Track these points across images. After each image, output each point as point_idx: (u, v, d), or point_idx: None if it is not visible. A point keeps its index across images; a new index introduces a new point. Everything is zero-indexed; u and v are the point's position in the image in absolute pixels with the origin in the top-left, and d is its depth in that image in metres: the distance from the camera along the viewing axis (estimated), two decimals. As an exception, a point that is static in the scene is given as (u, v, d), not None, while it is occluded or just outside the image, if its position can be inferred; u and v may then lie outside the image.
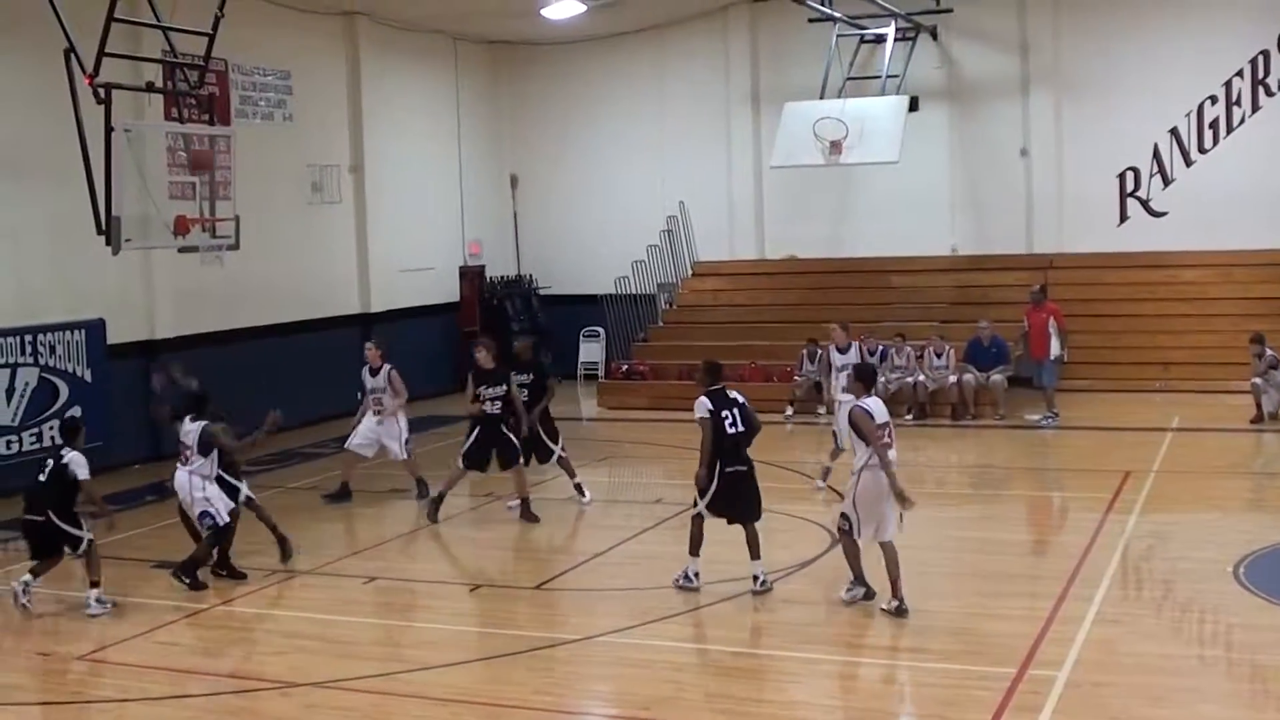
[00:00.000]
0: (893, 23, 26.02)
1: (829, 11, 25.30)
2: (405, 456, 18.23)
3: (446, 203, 30.19)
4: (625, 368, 27.65)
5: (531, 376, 17.49)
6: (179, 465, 14.38)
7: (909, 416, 23.04)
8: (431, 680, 11.21)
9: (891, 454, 12.48)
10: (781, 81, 28.35)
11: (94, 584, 13.42)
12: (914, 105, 25.91)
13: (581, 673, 11.54)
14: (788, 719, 10.13)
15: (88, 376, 20.68)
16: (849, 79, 26.63)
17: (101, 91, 15.46)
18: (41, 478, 13.35)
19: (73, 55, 15.24)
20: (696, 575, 13.21)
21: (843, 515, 12.59)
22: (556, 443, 17.60)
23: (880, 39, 26.70)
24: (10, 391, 19.58)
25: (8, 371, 19.61)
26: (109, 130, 15.53)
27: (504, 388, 16.81)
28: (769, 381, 25.31)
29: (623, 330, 29.70)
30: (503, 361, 17.41)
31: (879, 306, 26.44)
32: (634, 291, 29.89)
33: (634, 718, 10.21)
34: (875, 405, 12.68)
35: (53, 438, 19.80)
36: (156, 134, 19.31)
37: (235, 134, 19.15)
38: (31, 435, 19.66)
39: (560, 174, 31.43)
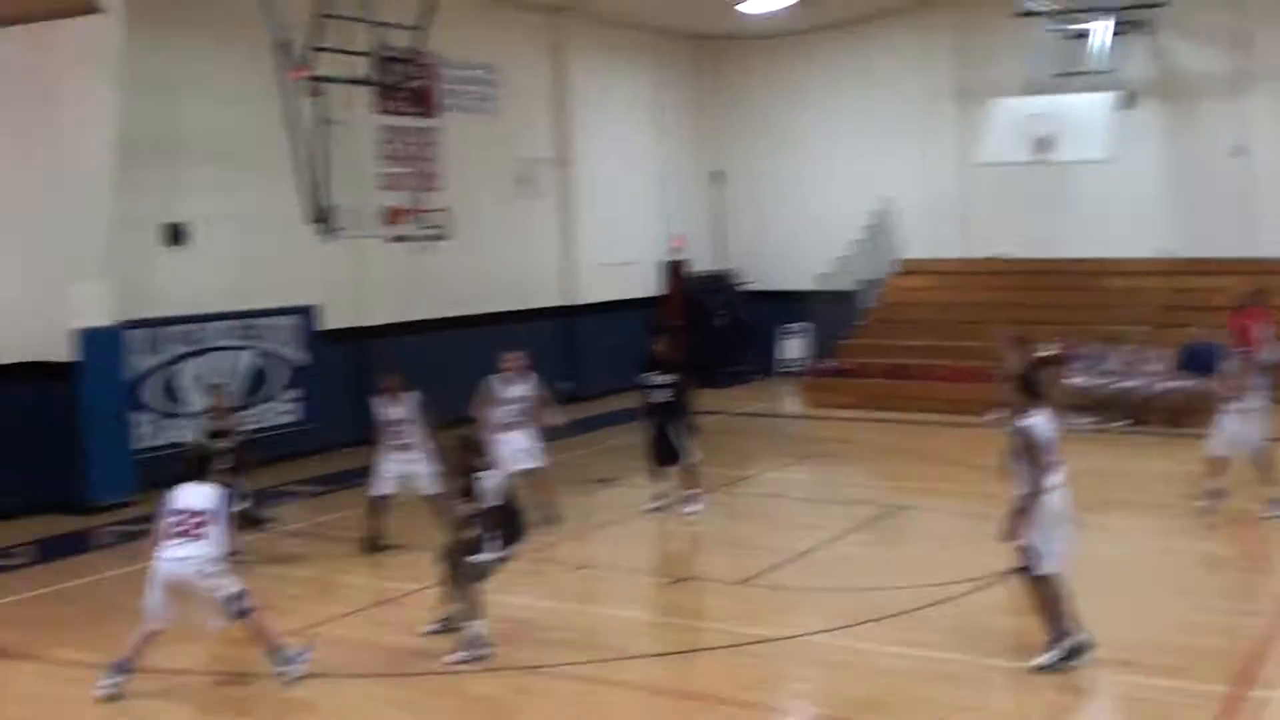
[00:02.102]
0: (1103, 16, 25.41)
1: (1036, 6, 24.82)
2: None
3: (650, 197, 30.28)
4: (829, 366, 27.45)
5: (673, 377, 17.20)
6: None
7: (1123, 423, 22.50)
8: (635, 670, 11.25)
9: (1059, 476, 10.93)
10: (988, 77, 27.83)
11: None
12: (1129, 101, 25.23)
13: (784, 671, 11.46)
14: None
15: (300, 361, 21.18)
16: (1057, 75, 26.05)
17: (315, 84, 15.79)
18: None
19: (283, 50, 15.54)
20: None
21: (1022, 549, 10.86)
22: (690, 449, 17.12)
23: (1089, 33, 26.08)
24: (228, 374, 20.12)
25: (225, 354, 20.18)
26: (321, 122, 15.87)
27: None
28: (975, 382, 24.90)
29: (826, 327, 29.46)
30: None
31: (1089, 309, 25.80)
32: (837, 288, 29.65)
33: (838, 718, 10.09)
34: (1043, 422, 10.96)
35: (266, 419, 20.37)
36: (369, 127, 19.70)
37: (443, 127, 19.41)
38: (248, 415, 20.18)
39: (764, 169, 31.31)
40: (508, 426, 16.41)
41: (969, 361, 25.33)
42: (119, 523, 17.01)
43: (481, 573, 11.62)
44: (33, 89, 17.15)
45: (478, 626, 11.55)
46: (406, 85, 18.11)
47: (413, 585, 13.99)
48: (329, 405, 21.19)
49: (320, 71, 15.87)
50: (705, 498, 17.25)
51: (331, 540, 16.17)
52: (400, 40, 17.52)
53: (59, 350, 17.46)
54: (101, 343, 17.76)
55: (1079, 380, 23.18)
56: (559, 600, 13.68)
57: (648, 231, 30.19)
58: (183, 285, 19.88)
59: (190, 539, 10.74)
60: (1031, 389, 11.28)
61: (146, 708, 10.63)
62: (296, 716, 10.40)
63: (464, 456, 12.00)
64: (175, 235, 19.73)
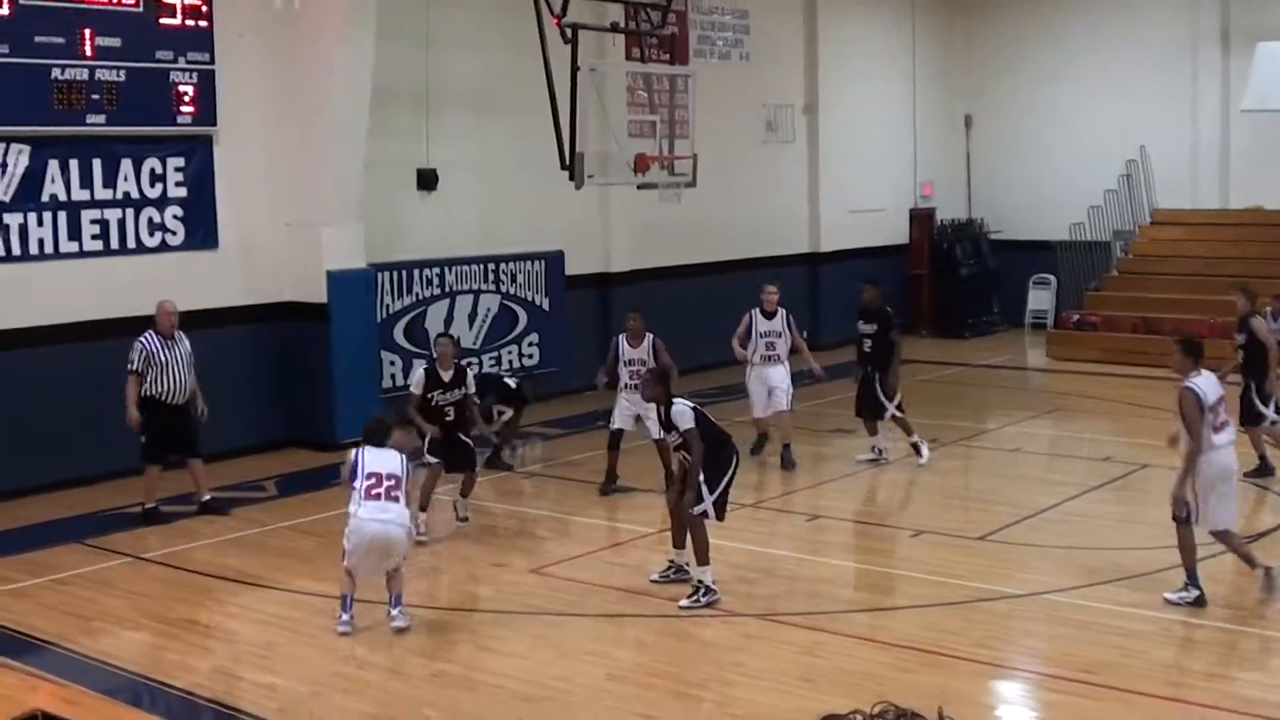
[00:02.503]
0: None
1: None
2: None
3: (898, 144, 29.93)
4: (1076, 318, 26.85)
5: (876, 327, 17.01)
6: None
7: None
8: (870, 622, 11.24)
9: (1225, 436, 11.37)
10: (1254, 19, 26.76)
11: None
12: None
13: (1023, 629, 11.32)
14: (1239, 697, 9.60)
15: (545, 305, 21.52)
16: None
17: (568, 32, 15.93)
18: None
19: (539, -2, 15.72)
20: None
21: (1179, 501, 11.35)
22: (892, 400, 16.95)
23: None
24: (473, 316, 20.56)
25: (471, 297, 20.59)
26: (574, 69, 16.01)
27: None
28: (1228, 339, 24.13)
29: (1075, 279, 28.80)
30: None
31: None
32: (1088, 238, 28.94)
33: (1076, 679, 9.94)
34: (1206, 383, 11.35)
35: (510, 362, 20.76)
36: (618, 73, 19.83)
37: (693, 73, 19.44)
38: (491, 358, 20.61)
39: (1015, 115, 30.62)
40: (763, 360, 16.87)
41: (1222, 316, 24.57)
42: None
43: (701, 521, 11.66)
44: (292, 37, 17.67)
45: (705, 573, 11.63)
46: (658, 32, 18.14)
47: (646, 529, 14.20)
48: (572, 349, 21.49)
49: (574, 19, 16.00)
50: (940, 449, 17.14)
51: (570, 482, 16.44)
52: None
53: (314, 291, 18.02)
54: (353, 284, 18.27)
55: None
56: (792, 550, 13.76)
57: (895, 178, 29.88)
58: (432, 229, 20.33)
59: (393, 500, 11.09)
60: (1193, 351, 11.50)
61: (380, 637, 10.98)
62: (531, 649, 10.63)
63: (655, 386, 12.04)
64: (426, 180, 20.17)
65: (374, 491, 11.03)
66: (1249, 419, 15.63)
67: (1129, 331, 25.43)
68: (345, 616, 11.06)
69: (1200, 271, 26.42)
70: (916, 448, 16.95)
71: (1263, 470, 15.90)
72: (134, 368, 14.46)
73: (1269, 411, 15.72)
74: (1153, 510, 14.88)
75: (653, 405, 12.29)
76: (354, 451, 11.29)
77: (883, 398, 16.92)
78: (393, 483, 11.08)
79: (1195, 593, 11.28)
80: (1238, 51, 26.88)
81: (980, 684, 10.23)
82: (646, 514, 15.01)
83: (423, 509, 13.60)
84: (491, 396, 16.54)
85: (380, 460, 11.17)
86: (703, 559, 11.65)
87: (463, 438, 14.09)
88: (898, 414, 17.02)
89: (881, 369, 16.92)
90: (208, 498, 14.98)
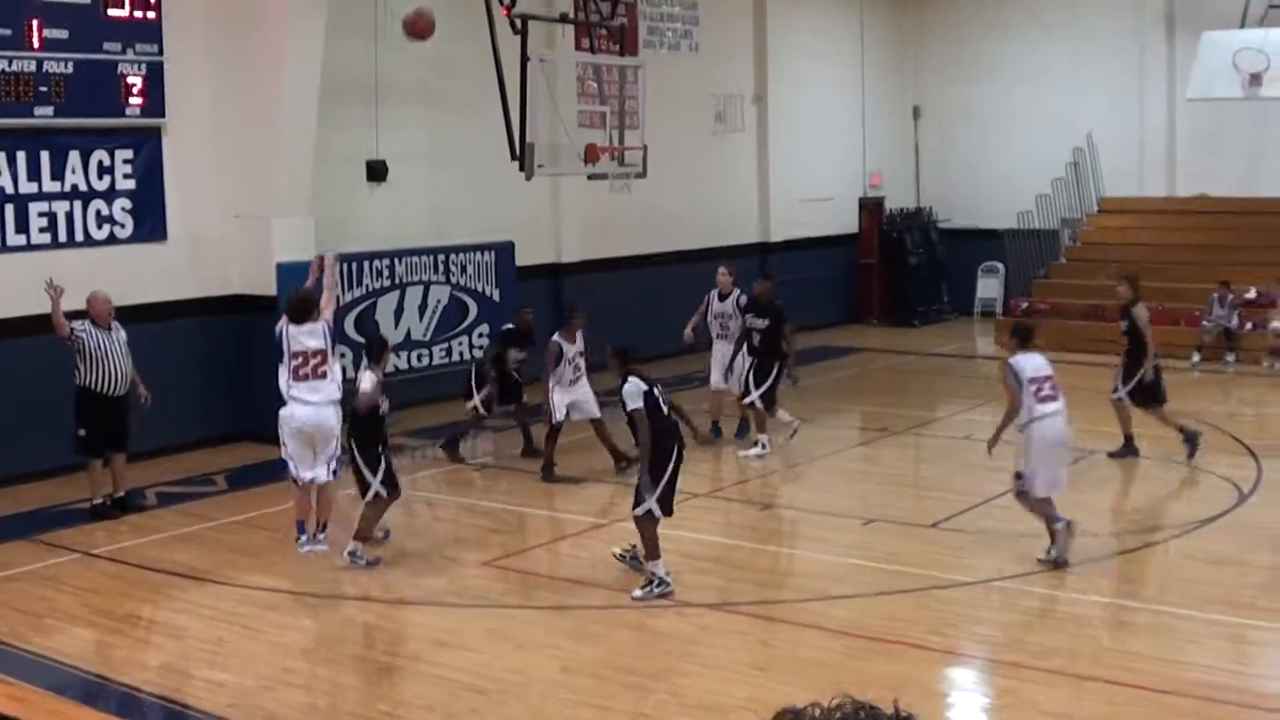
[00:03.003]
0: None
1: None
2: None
3: (848, 133, 30.02)
4: (1025, 305, 27.01)
5: (768, 321, 17.04)
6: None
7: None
8: (823, 611, 11.28)
9: (1050, 407, 12.44)
10: (1200, 7, 26.94)
11: (356, 535, 12.63)
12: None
13: (975, 615, 11.39)
14: (1187, 681, 9.68)
15: (496, 296, 21.44)
16: (1271, 7, 25.07)
17: (518, 22, 15.91)
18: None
19: (488, -12, 15.69)
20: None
21: (1017, 475, 12.49)
22: (760, 387, 16.86)
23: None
24: (423, 308, 20.47)
25: (421, 288, 20.51)
26: (524, 60, 15.99)
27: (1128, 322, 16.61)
28: (1175, 326, 24.39)
29: (1023, 267, 29.00)
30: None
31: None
32: (1037, 227, 29.13)
33: (1028, 665, 10.02)
34: (1030, 361, 12.60)
35: (461, 354, 20.71)
36: (568, 64, 19.82)
37: (643, 64, 19.45)
38: (441, 350, 20.56)
39: (963, 105, 30.74)
40: (716, 338, 17.56)
41: (1170, 304, 24.79)
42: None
43: (648, 518, 11.64)
44: (240, 28, 17.57)
45: (657, 566, 11.63)
46: (608, 23, 18.14)
47: (599, 519, 14.22)
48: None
49: (523, 9, 15.98)
50: (890, 437, 17.33)
51: (521, 473, 16.42)
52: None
53: (264, 284, 17.92)
54: (303, 276, 18.10)
55: (1280, 324, 22.63)
56: (746, 539, 13.79)
57: (845, 168, 29.97)
58: (382, 221, 20.26)
59: (320, 378, 11.81)
60: (1019, 333, 13.05)
61: (331, 631, 10.95)
62: (484, 642, 10.62)
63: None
64: (376, 172, 20.10)
65: (301, 372, 11.08)
66: (1150, 401, 16.41)
67: (1078, 319, 25.58)
68: (303, 539, 11.16)
69: (1148, 259, 26.57)
70: (760, 442, 16.93)
71: (1128, 450, 16.53)
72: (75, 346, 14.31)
73: (1122, 391, 16.55)
74: (1103, 496, 15.09)
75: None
76: (278, 327, 11.32)
77: (751, 384, 16.85)
78: (319, 359, 11.08)
79: (1060, 522, 12.15)
80: (1183, 40, 27.05)
81: (934, 671, 10.30)
82: (597, 505, 15.05)
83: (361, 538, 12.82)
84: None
85: (304, 336, 11.16)
86: (653, 554, 11.63)
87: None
88: (758, 404, 16.93)
89: (769, 361, 16.91)
90: (123, 494, 14.82)
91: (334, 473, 11.48)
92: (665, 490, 11.60)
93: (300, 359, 11.18)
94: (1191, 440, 16.11)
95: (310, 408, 11.18)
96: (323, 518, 11.37)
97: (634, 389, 11.63)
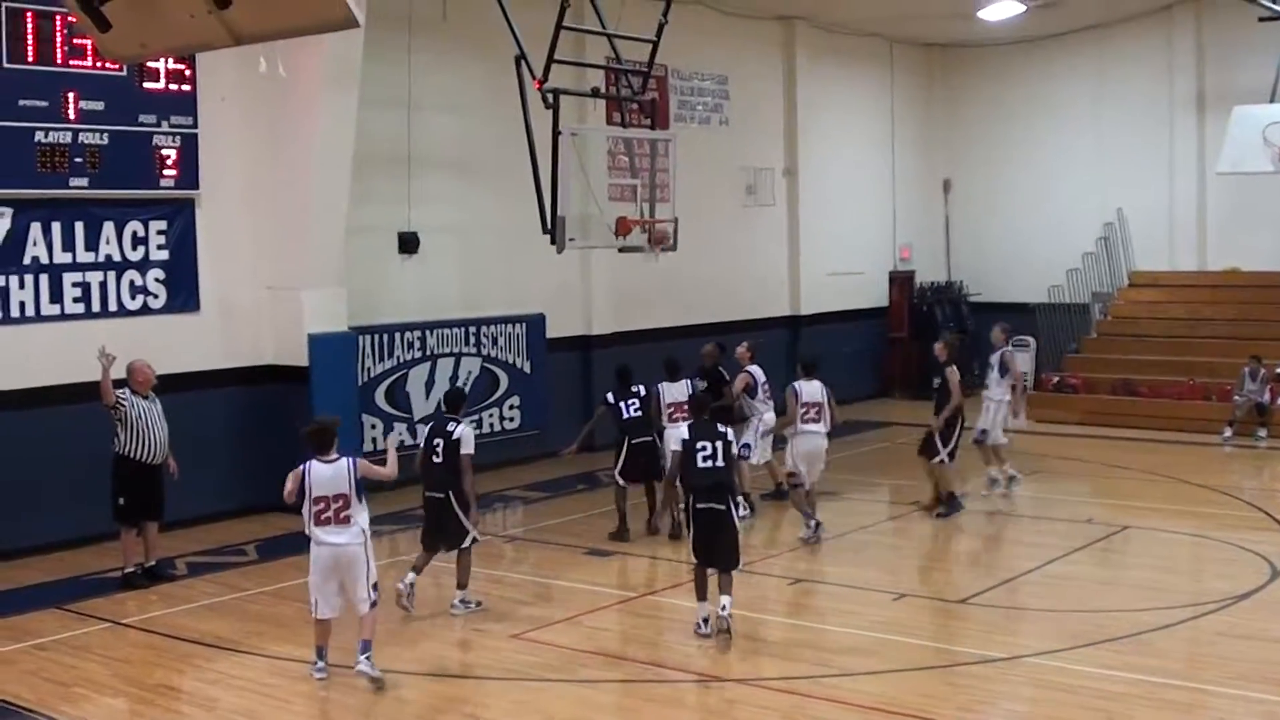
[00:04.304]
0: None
1: (1280, 9, 24.05)
2: None
3: (878, 206, 30.15)
4: (1056, 379, 26.97)
5: (707, 384, 17.17)
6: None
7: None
8: (851, 686, 11.18)
9: (813, 427, 16.09)
10: (1229, 83, 27.05)
11: (461, 585, 13.42)
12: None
13: (1005, 692, 11.27)
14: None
15: (527, 368, 21.55)
16: (1303, 82, 25.17)
17: (549, 96, 16.01)
18: (436, 458, 13.26)
19: (523, 62, 15.81)
20: (705, 622, 12.48)
21: (790, 473, 16.19)
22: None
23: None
24: (454, 379, 20.56)
25: (452, 360, 20.62)
26: (555, 134, 16.06)
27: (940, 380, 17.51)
28: (1207, 400, 24.31)
29: (1054, 340, 28.98)
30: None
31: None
32: (1067, 300, 29.13)
33: (1059, 742, 9.94)
34: (809, 387, 16.13)
35: (491, 425, 20.75)
36: (599, 137, 19.94)
37: (674, 137, 19.54)
38: (472, 422, 20.52)
39: (994, 178, 30.90)
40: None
41: (1201, 378, 24.72)
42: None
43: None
44: (275, 102, 17.74)
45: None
46: (639, 98, 18.24)
47: (628, 593, 14.18)
48: (553, 412, 21.49)
49: (557, 84, 16.11)
50: (920, 510, 17.45)
51: (550, 545, 16.41)
52: (633, 53, 17.68)
53: (296, 354, 18.01)
54: (334, 348, 18.27)
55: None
56: (774, 613, 13.71)
57: (875, 241, 30.07)
58: (413, 292, 20.38)
59: (343, 523, 11.17)
60: (806, 366, 16.54)
61: (360, 704, 10.92)
62: (513, 714, 10.58)
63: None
64: (408, 244, 20.22)
65: (323, 516, 10.96)
66: (928, 451, 17.61)
67: (1108, 393, 25.55)
68: (320, 664, 11.11)
69: (1178, 333, 26.60)
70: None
71: (953, 505, 17.63)
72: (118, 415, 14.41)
73: (943, 452, 17.45)
74: (1135, 572, 15.01)
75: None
76: (301, 465, 11.18)
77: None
78: (340, 504, 10.97)
79: (813, 522, 16.13)
80: (1213, 115, 27.14)
81: (964, 748, 10.21)
82: (628, 577, 15.03)
83: (461, 586, 13.46)
84: None
85: (326, 479, 11.01)
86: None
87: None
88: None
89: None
90: (154, 563, 14.84)
91: (373, 603, 11.22)
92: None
93: (322, 504, 10.95)
94: (952, 506, 17.48)
95: (333, 548, 11.01)
96: (364, 638, 11.15)
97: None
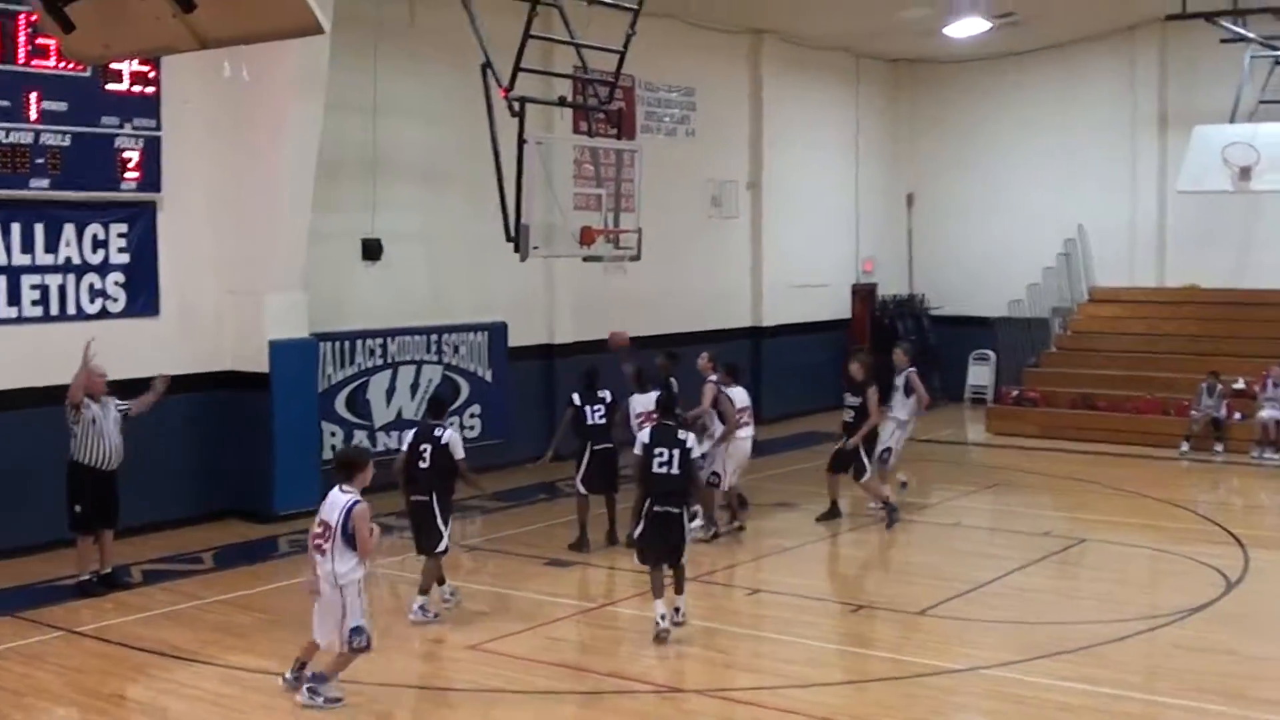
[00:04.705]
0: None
1: (1242, 31, 24.13)
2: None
3: (841, 219, 30.22)
4: (1015, 393, 27.08)
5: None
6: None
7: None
8: (809, 699, 11.18)
9: (745, 431, 16.82)
10: (1191, 103, 27.24)
11: (423, 590, 13.46)
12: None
13: (962, 704, 11.33)
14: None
15: (488, 376, 21.50)
16: (1262, 102, 25.31)
17: (515, 105, 16.00)
18: (423, 463, 13.30)
19: (489, 69, 15.80)
20: (663, 618, 12.66)
21: (714, 473, 16.49)
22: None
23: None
24: (415, 387, 20.49)
25: (413, 368, 20.55)
26: (521, 142, 16.06)
27: (860, 399, 17.48)
28: (1165, 415, 24.45)
29: (1014, 355, 29.10)
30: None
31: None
32: (1027, 315, 29.26)
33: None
34: (738, 392, 16.80)
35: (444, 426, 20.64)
36: (565, 147, 19.92)
37: (639, 148, 19.55)
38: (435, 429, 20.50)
39: (957, 193, 31.03)
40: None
41: (1160, 393, 24.88)
42: (299, 532, 17.36)
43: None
44: (239, 106, 17.66)
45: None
46: (605, 108, 18.24)
47: (587, 603, 14.15)
48: (515, 421, 21.45)
49: (522, 92, 16.09)
50: (880, 522, 17.56)
51: (510, 556, 16.37)
52: (600, 62, 17.69)
53: (256, 361, 17.92)
54: (295, 354, 18.20)
55: (1269, 414, 22.66)
56: (733, 624, 13.72)
57: (838, 254, 30.15)
58: (376, 299, 20.31)
59: (319, 553, 10.78)
60: (730, 371, 17.04)
61: (313, 714, 10.86)
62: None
63: None
64: (371, 250, 20.16)
65: (314, 541, 10.80)
66: (857, 469, 17.61)
67: (1067, 407, 25.68)
68: (289, 675, 10.98)
69: (1137, 348, 26.77)
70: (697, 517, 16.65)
71: (832, 514, 17.98)
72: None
73: (870, 468, 17.65)
74: (1092, 584, 15.09)
75: None
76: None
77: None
78: (321, 533, 10.73)
79: (713, 529, 16.58)
80: (1175, 134, 27.30)
81: (921, 761, 10.24)
82: (588, 588, 15.02)
83: (423, 591, 13.45)
84: None
85: (327, 504, 10.85)
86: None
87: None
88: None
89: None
90: (110, 571, 14.70)
91: (353, 647, 10.98)
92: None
93: (318, 528, 10.78)
94: (892, 515, 17.68)
95: (314, 579, 10.85)
96: (319, 670, 10.94)
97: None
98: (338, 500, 10.70)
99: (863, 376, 17.67)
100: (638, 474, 12.93)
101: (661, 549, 12.78)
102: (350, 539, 10.58)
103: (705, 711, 10.94)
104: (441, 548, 13.35)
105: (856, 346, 22.24)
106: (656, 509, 12.69)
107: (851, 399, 17.62)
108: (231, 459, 17.88)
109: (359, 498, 10.71)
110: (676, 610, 12.81)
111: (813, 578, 15.94)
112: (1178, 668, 11.99)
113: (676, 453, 12.79)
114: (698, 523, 16.40)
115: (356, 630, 10.69)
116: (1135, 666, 12.15)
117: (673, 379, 17.59)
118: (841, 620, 13.79)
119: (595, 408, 16.46)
